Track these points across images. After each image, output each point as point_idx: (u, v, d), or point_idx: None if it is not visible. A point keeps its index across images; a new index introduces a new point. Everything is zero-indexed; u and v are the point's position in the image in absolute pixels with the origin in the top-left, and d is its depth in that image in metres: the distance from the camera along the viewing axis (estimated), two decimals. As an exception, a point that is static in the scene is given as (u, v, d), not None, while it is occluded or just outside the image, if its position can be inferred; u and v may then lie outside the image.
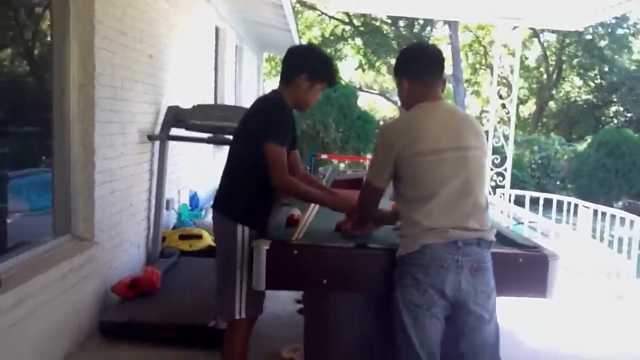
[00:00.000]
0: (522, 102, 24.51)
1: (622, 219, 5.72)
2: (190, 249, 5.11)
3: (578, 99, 24.35)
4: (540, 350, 4.06)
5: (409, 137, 2.24)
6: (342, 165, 11.70)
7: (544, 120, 25.43)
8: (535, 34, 22.43)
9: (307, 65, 2.67)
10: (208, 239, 5.27)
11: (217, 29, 8.19)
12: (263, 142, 2.52)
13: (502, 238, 2.66)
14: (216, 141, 5.15)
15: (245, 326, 2.70)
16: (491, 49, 24.46)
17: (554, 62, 24.47)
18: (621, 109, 23.47)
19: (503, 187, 6.54)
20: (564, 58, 24.11)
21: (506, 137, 6.63)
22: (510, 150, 6.62)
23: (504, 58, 6.98)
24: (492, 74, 22.39)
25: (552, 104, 25.29)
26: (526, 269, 2.42)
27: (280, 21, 9.47)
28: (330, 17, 24.18)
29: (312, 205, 2.98)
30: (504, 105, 6.97)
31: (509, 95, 6.86)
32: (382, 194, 2.39)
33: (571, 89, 25.01)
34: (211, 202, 7.36)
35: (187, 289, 4.22)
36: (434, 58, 2.41)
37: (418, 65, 2.39)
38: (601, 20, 7.87)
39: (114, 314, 3.72)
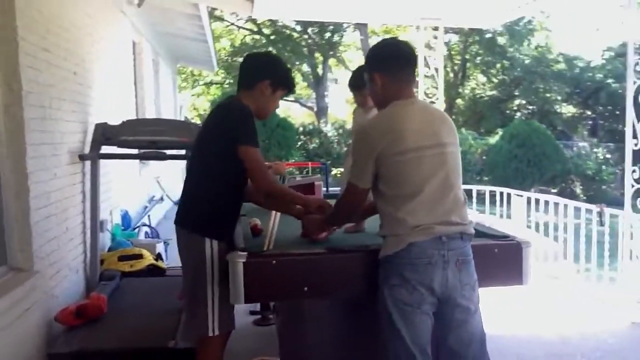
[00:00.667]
0: (431, 102, 25.35)
1: (556, 204, 5.99)
2: (132, 269, 4.91)
3: (484, 95, 25.42)
4: (503, 336, 4.19)
5: (390, 136, 2.24)
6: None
7: (454, 117, 26.36)
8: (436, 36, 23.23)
9: (270, 72, 2.65)
10: (149, 258, 5.08)
11: (134, 43, 7.95)
12: (239, 147, 2.46)
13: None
14: (151, 156, 4.98)
15: (219, 343, 2.62)
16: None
17: (459, 62, 25.46)
18: (524, 102, 24.70)
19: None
20: (467, 57, 25.12)
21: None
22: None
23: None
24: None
25: (459, 101, 26.28)
26: (502, 258, 2.49)
27: (196, 32, 9.35)
28: (239, 27, 24.09)
29: (273, 213, 2.94)
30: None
31: (433, 95, 7.08)
32: (367, 195, 2.37)
33: (476, 86, 26.08)
34: (142, 221, 7.17)
35: (136, 310, 4.05)
36: (408, 55, 2.41)
37: (392, 62, 2.37)
38: (514, 18, 8.28)
39: (62, 345, 3.49)
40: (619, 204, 10.30)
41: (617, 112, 19.55)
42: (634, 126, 4.64)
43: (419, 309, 2.20)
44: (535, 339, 4.24)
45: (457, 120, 26.20)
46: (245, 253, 2.30)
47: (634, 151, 4.67)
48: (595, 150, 18.97)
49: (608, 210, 5.19)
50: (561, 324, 4.56)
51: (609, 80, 19.33)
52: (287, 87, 2.71)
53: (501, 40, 23.23)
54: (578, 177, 17.55)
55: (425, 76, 7.03)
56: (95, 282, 4.63)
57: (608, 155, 18.73)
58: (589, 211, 5.51)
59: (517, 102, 25.29)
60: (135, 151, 6.02)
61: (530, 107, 24.33)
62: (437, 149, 2.27)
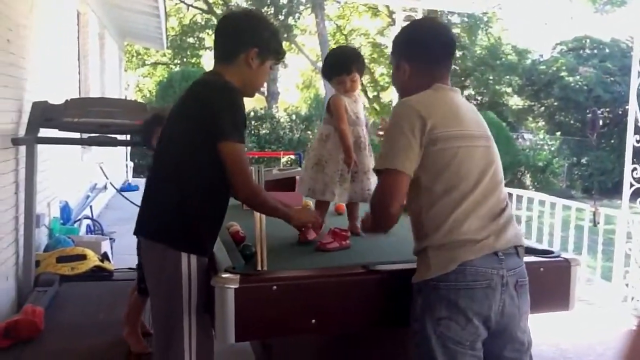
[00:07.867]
0: (382, 89, 25.06)
1: (542, 202, 5.63)
2: (73, 272, 4.24)
3: (434, 84, 25.32)
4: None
5: (441, 112, 1.78)
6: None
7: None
8: (394, 21, 22.88)
9: (258, 37, 2.05)
10: (93, 259, 4.42)
11: (78, 14, 7.13)
12: (219, 141, 1.90)
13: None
14: (100, 142, 4.29)
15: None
16: (352, 38, 24.73)
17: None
18: (473, 92, 24.72)
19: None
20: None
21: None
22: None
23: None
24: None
25: (412, 90, 26.07)
26: (548, 279, 2.02)
27: (147, 4, 8.55)
28: (189, 6, 23.06)
29: (258, 216, 2.36)
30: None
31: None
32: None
33: (428, 75, 25.96)
34: (84, 213, 6.43)
35: (80, 326, 3.44)
36: (447, 43, 1.95)
37: (427, 51, 1.92)
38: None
39: (-13, 374, 2.86)
40: (564, 196, 10.29)
41: (568, 106, 19.68)
42: (636, 121, 4.27)
43: (472, 349, 1.70)
44: (536, 352, 3.85)
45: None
46: (237, 276, 1.73)
47: (634, 147, 4.31)
48: (549, 142, 19.04)
49: (603, 210, 4.83)
50: (555, 333, 4.19)
51: (562, 74, 19.37)
52: (277, 54, 2.14)
53: (457, 30, 23.10)
54: (528, 168, 17.58)
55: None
56: (29, 288, 3.95)
57: (563, 147, 18.85)
58: (579, 210, 5.15)
59: (466, 92, 25.26)
60: (77, 134, 5.34)
61: (479, 98, 24.37)
62: (485, 140, 1.85)
